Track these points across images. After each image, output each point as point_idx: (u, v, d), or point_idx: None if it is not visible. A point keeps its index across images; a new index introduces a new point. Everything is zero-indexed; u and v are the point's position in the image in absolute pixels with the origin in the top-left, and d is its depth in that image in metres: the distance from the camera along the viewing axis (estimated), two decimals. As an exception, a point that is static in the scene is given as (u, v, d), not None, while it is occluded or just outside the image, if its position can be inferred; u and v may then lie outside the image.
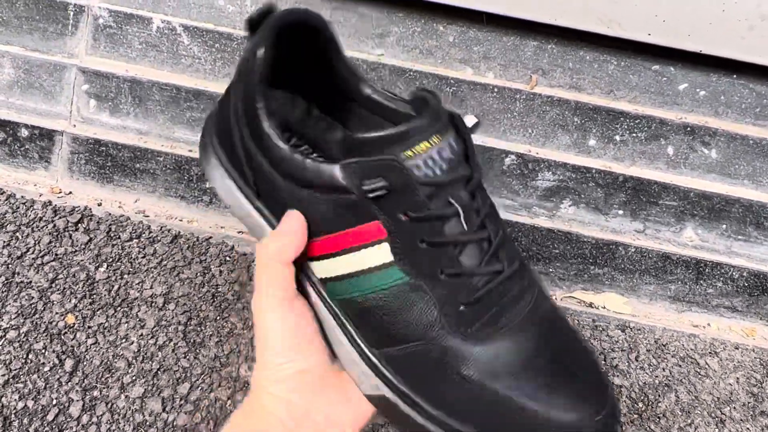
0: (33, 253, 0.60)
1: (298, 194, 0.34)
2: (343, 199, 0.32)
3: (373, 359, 0.34)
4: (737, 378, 0.58)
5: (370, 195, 0.31)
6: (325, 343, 0.35)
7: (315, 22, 0.36)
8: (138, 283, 0.59)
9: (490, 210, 0.34)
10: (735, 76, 0.64)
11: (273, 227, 0.36)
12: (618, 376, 0.57)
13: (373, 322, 0.34)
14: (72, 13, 0.66)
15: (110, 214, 0.64)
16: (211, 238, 0.64)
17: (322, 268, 0.35)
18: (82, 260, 0.60)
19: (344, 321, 0.35)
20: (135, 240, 0.63)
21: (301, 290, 0.36)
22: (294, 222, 0.34)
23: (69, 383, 0.53)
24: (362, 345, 0.34)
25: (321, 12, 0.64)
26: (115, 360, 0.54)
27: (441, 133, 0.32)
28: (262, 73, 0.34)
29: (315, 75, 0.39)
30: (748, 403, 0.57)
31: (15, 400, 0.52)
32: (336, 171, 0.32)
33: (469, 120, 0.35)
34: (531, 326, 0.33)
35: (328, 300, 0.35)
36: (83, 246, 0.61)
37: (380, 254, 0.33)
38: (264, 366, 0.33)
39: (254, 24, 0.35)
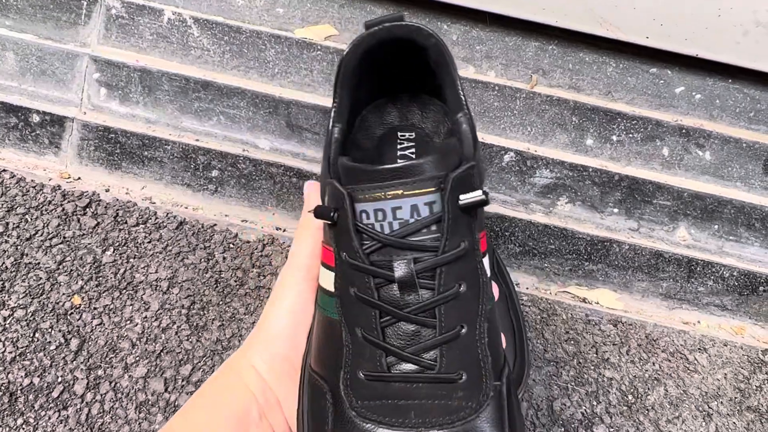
0: (42, 235, 0.62)
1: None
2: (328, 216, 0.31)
3: (304, 374, 0.34)
4: (725, 374, 0.60)
5: (327, 222, 0.30)
6: None
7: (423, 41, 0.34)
8: (143, 267, 0.61)
9: (458, 297, 0.29)
10: (730, 80, 0.65)
11: None
12: (609, 369, 0.59)
13: (317, 342, 0.33)
14: (85, 3, 0.68)
15: (117, 199, 0.66)
16: (215, 225, 0.65)
17: (321, 272, 0.35)
18: (89, 243, 0.62)
19: (313, 327, 0.35)
20: (141, 225, 0.64)
21: None
22: (307, 192, 0.37)
23: (74, 362, 0.54)
24: (308, 359, 0.34)
25: (329, 9, 0.66)
26: (120, 341, 0.56)
27: (402, 190, 0.28)
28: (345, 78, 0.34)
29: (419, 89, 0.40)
30: (735, 398, 0.58)
31: (21, 376, 0.53)
32: (306, 186, 0.34)
33: (474, 195, 0.29)
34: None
35: (317, 302, 0.36)
36: (91, 230, 0.63)
37: (330, 280, 0.32)
38: (260, 336, 0.35)
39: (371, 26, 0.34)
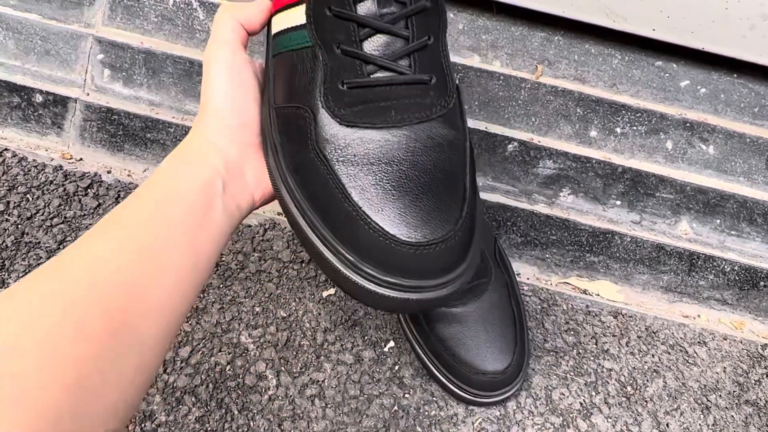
0: (43, 214, 0.62)
1: None
2: None
3: (269, 114, 0.35)
4: (724, 367, 0.60)
5: None
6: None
7: None
8: (144, 249, 0.61)
9: (422, 12, 0.33)
10: (735, 75, 0.65)
11: None
12: (608, 360, 0.59)
13: (281, 81, 0.35)
14: (90, -16, 0.68)
15: (119, 181, 0.66)
16: (217, 209, 0.65)
17: (274, 24, 0.37)
18: (90, 224, 0.62)
19: (270, 77, 0.37)
20: (143, 207, 0.64)
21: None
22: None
23: (73, 341, 0.54)
24: (269, 101, 0.36)
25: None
26: (119, 321, 0.56)
27: None
28: None
29: None
30: (734, 391, 0.58)
31: (20, 354, 0.53)
32: None
33: None
34: (410, 137, 0.31)
35: (271, 58, 0.37)
36: (92, 210, 0.63)
37: (297, 15, 0.34)
38: (208, 114, 0.35)
39: None
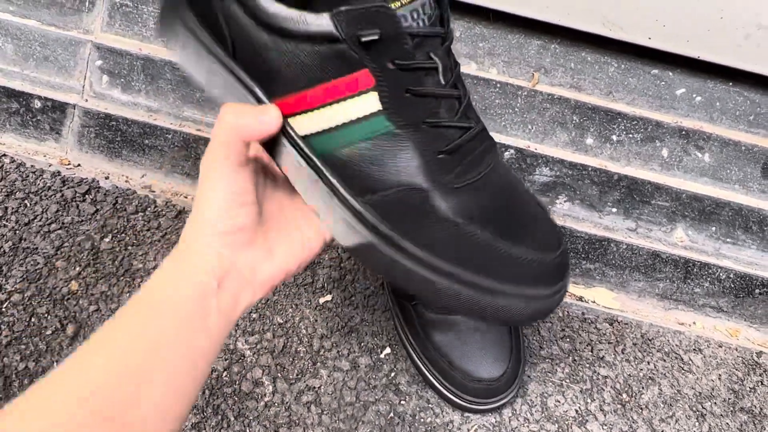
0: (40, 220, 0.62)
1: (282, 47, 0.34)
2: (331, 49, 0.33)
3: (358, 207, 0.35)
4: (719, 375, 0.60)
5: (364, 39, 0.32)
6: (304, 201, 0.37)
7: None
8: (141, 255, 0.61)
9: (458, 72, 0.37)
10: (731, 83, 0.66)
11: (248, 88, 0.36)
12: (604, 367, 0.59)
13: (357, 173, 0.35)
14: (89, -9, 0.68)
15: (117, 187, 0.66)
16: (214, 215, 0.65)
17: (305, 124, 0.35)
18: (87, 230, 0.62)
19: (328, 175, 0.36)
20: (140, 213, 0.64)
21: (273, 147, 0.37)
22: (270, 110, 0.35)
23: (70, 347, 0.54)
24: (347, 195, 0.35)
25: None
26: (116, 327, 0.56)
27: None
28: None
29: None
30: (729, 399, 0.58)
31: (16, 360, 0.53)
32: (325, 20, 0.32)
33: None
34: (496, 179, 0.37)
35: (311, 156, 0.36)
36: (89, 216, 0.63)
37: (368, 103, 0.34)
38: (200, 221, 0.35)
39: None
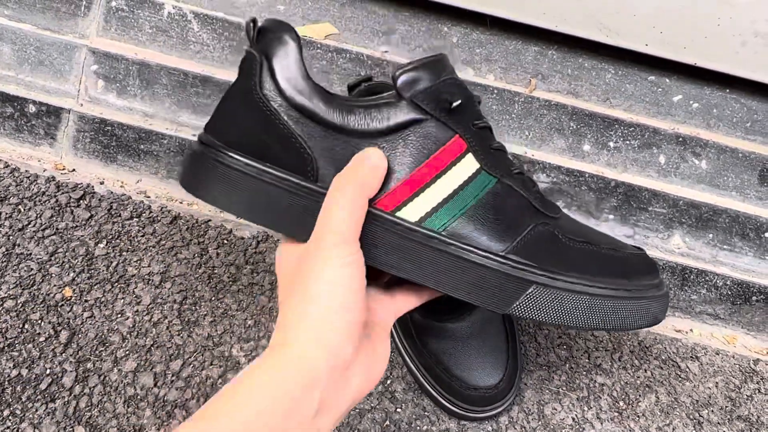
0: (34, 226, 0.61)
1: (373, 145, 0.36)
2: (421, 130, 0.35)
3: (502, 260, 0.36)
4: (716, 382, 0.60)
5: (453, 106, 0.35)
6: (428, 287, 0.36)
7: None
8: (136, 261, 0.60)
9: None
10: (728, 90, 0.66)
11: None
12: (601, 374, 0.59)
13: (486, 228, 0.36)
14: (85, -5, 0.68)
15: (112, 192, 0.65)
16: (210, 221, 0.65)
17: (417, 207, 0.36)
18: (82, 236, 0.61)
19: (460, 244, 0.36)
20: (135, 219, 0.64)
21: (370, 249, 0.35)
22: (374, 152, 0.34)
23: (63, 354, 0.54)
24: (489, 253, 0.36)
25: (330, 7, 0.66)
26: (110, 334, 0.55)
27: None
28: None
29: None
30: (726, 407, 0.58)
31: (9, 367, 0.53)
32: (405, 106, 0.35)
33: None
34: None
35: (433, 236, 0.36)
36: (84, 222, 0.63)
37: (468, 164, 0.36)
38: (310, 319, 0.30)
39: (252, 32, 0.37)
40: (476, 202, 0.36)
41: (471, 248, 0.36)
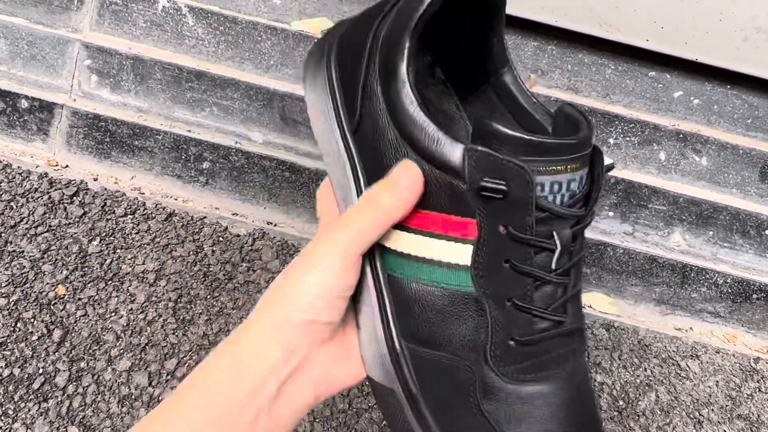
0: (27, 223, 0.61)
1: (403, 152, 0.31)
2: (449, 182, 0.30)
3: (398, 349, 0.32)
4: (717, 381, 0.59)
5: (484, 192, 0.29)
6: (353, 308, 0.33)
7: None
8: (130, 259, 0.60)
9: (580, 259, 0.32)
10: (729, 86, 0.65)
11: (355, 173, 0.33)
12: (600, 373, 0.58)
13: (415, 316, 0.32)
14: (78, -12, 0.67)
15: (106, 189, 0.65)
16: (205, 218, 0.64)
17: (394, 239, 0.32)
18: (75, 233, 0.61)
19: (386, 301, 0.32)
20: (129, 216, 0.63)
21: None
22: (413, 174, 0.30)
23: (56, 353, 0.53)
24: (394, 332, 0.32)
25: (326, 3, 0.65)
26: (104, 333, 0.55)
27: (579, 163, 0.29)
28: (421, 18, 0.31)
29: (461, 38, 0.36)
30: (726, 405, 0.58)
31: (1, 367, 0.52)
32: (457, 151, 0.29)
33: (606, 160, 0.32)
34: (566, 387, 0.31)
35: (379, 271, 0.33)
36: (77, 219, 0.62)
37: (459, 253, 0.30)
38: (290, 299, 0.30)
39: None
40: (434, 287, 0.31)
41: (385, 312, 0.32)
